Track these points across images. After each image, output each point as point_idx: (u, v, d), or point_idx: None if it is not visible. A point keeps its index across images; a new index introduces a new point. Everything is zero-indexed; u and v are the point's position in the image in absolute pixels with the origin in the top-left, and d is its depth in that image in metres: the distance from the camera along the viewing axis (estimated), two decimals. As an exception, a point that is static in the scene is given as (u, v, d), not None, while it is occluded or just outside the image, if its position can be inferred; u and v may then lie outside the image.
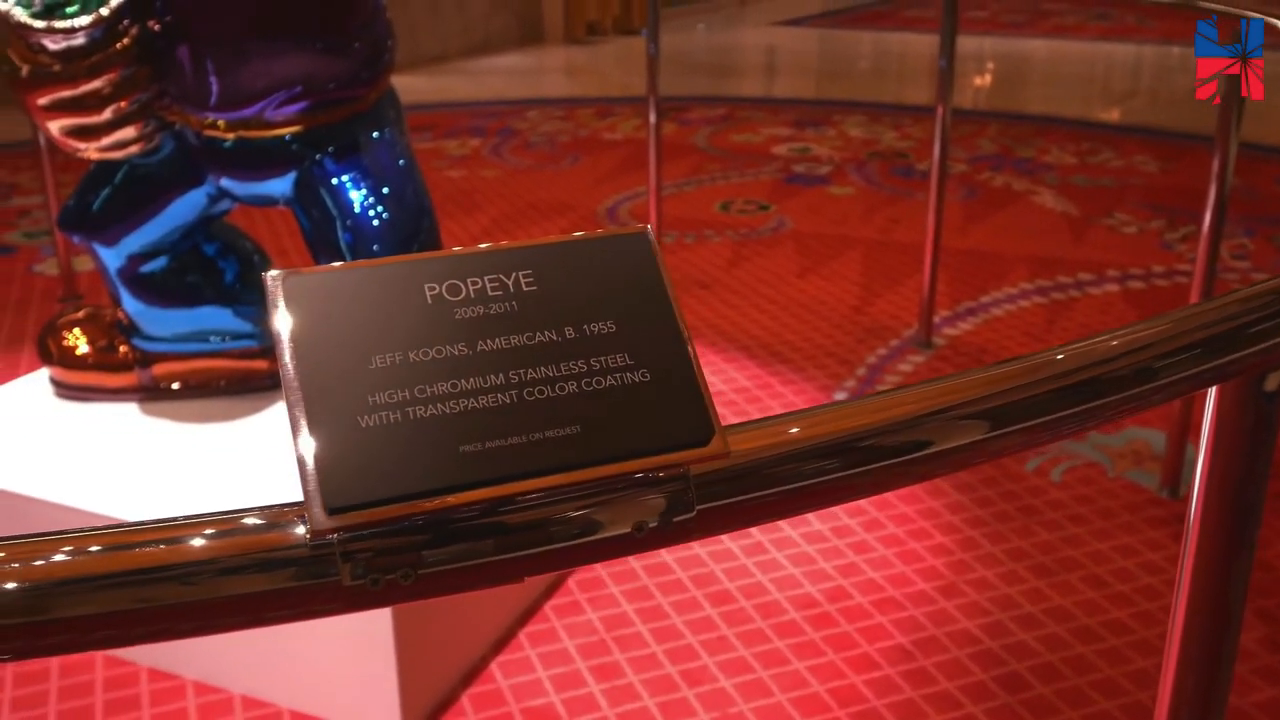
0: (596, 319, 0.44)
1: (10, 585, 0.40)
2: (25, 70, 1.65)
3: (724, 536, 2.08)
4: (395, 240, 1.76)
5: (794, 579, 1.96)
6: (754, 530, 2.09)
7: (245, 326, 1.99)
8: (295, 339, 0.41)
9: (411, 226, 1.78)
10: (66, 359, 1.98)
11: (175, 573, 0.40)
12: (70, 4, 1.61)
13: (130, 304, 1.94)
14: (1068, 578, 1.96)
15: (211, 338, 1.97)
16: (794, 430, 0.47)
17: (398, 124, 1.87)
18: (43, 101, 1.66)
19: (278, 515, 0.42)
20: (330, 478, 0.40)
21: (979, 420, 0.48)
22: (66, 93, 1.65)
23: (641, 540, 0.44)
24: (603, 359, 0.44)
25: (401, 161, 1.82)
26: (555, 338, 0.44)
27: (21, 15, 1.59)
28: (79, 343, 1.98)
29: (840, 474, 0.46)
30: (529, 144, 5.14)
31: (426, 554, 0.41)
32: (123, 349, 1.97)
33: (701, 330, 3.02)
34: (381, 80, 1.84)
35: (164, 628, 0.41)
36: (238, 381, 2.01)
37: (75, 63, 1.63)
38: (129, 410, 1.96)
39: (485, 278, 0.44)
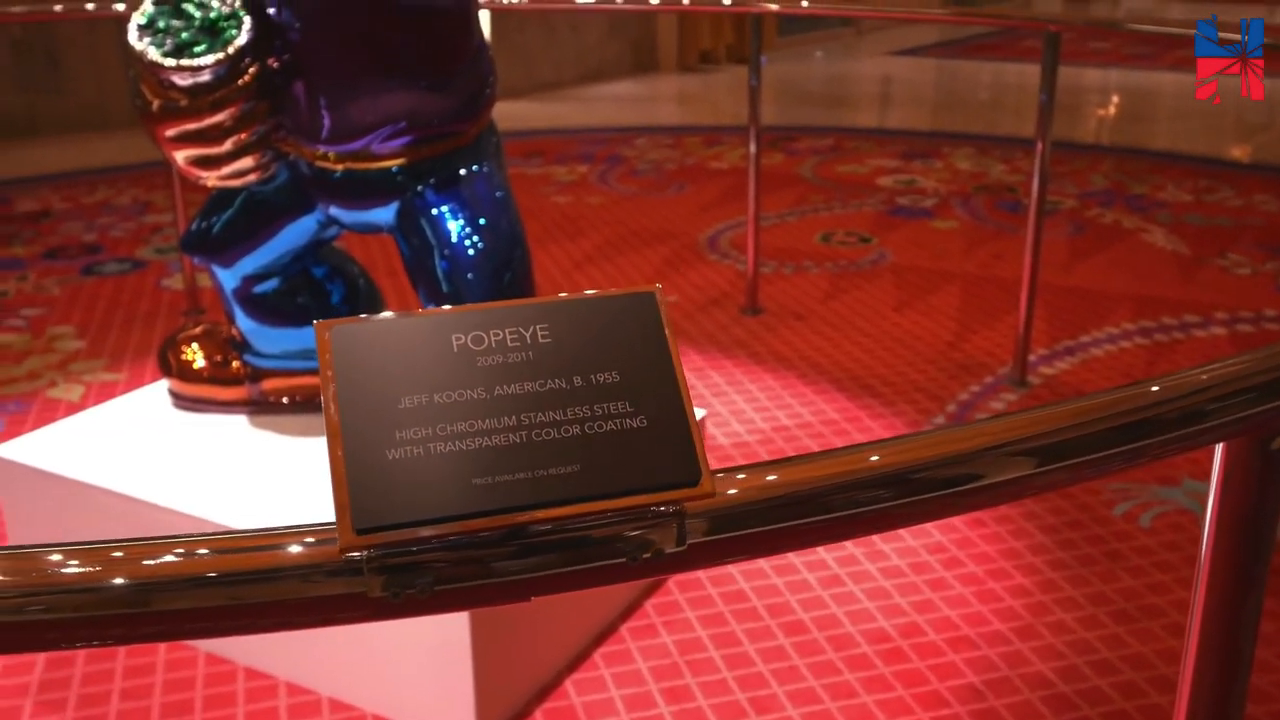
0: (602, 369, 0.50)
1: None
2: (156, 104, 1.77)
3: (801, 567, 2.10)
4: (489, 269, 1.84)
5: (868, 612, 1.98)
6: (831, 562, 2.11)
7: (348, 346, 2.09)
8: (338, 381, 0.48)
9: (504, 256, 1.85)
10: (184, 372, 2.11)
11: (225, 580, 0.46)
12: (198, 44, 1.74)
13: (243, 322, 2.06)
14: (1149, 625, 1.94)
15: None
16: (778, 476, 0.51)
17: (497, 157, 1.95)
18: (170, 133, 1.79)
19: (314, 533, 0.48)
20: (359, 502, 0.46)
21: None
22: (192, 125, 1.77)
23: (637, 568, 0.49)
24: (605, 405, 0.49)
25: (498, 193, 1.90)
26: (564, 385, 0.49)
27: (154, 54, 1.72)
28: (196, 357, 2.11)
29: (820, 517, 0.51)
30: (636, 171, 5.23)
31: (440, 573, 0.47)
32: (235, 364, 2.09)
33: (793, 361, 3.05)
34: (482, 115, 1.92)
35: (215, 625, 0.48)
36: (340, 398, 2.11)
37: (201, 98, 1.75)
38: (238, 422, 2.08)
39: (506, 330, 0.50)
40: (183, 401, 2.12)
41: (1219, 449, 0.66)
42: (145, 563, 0.48)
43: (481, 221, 1.86)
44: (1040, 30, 2.76)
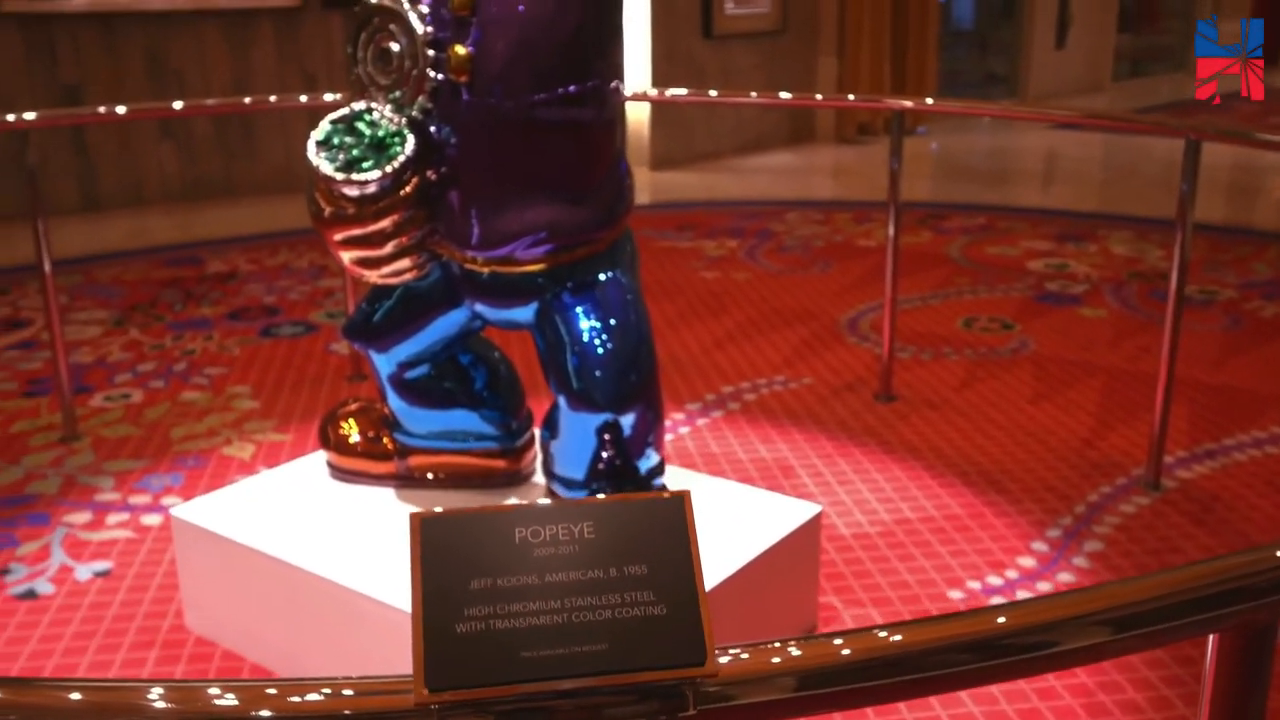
0: (633, 563, 0.61)
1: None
2: (327, 211, 1.98)
3: (908, 666, 2.14)
4: (615, 367, 1.97)
5: (972, 716, 2.01)
6: (939, 664, 2.15)
7: (489, 429, 2.25)
8: (423, 564, 0.60)
9: (630, 356, 1.98)
10: (340, 446, 2.31)
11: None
12: (366, 160, 1.94)
13: (395, 403, 2.25)
14: (1263, 753, 1.91)
15: (461, 438, 2.25)
16: (779, 658, 0.61)
17: (631, 263, 2.09)
18: (338, 237, 1.99)
19: (396, 686, 0.61)
20: (432, 665, 0.58)
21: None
22: (357, 231, 1.97)
23: (655, 730, 0.60)
24: (633, 594, 0.60)
25: (629, 297, 2.04)
26: (601, 575, 0.61)
27: (327, 168, 1.93)
28: (352, 432, 2.31)
29: (803, 692, 0.60)
30: (783, 247, 5.34)
31: (494, 726, 0.59)
32: (386, 441, 2.28)
33: (922, 452, 3.09)
34: (618, 225, 2.06)
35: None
36: (479, 477, 2.28)
37: (366, 207, 1.95)
38: (387, 495, 2.26)
39: (560, 526, 0.62)
40: (339, 473, 2.32)
41: (1211, 640, 0.73)
42: (291, 699, 0.61)
43: (612, 322, 1.99)
44: (1181, 136, 2.76)
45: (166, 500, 2.81)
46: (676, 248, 5.38)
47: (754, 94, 4.16)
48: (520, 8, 1.89)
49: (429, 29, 1.94)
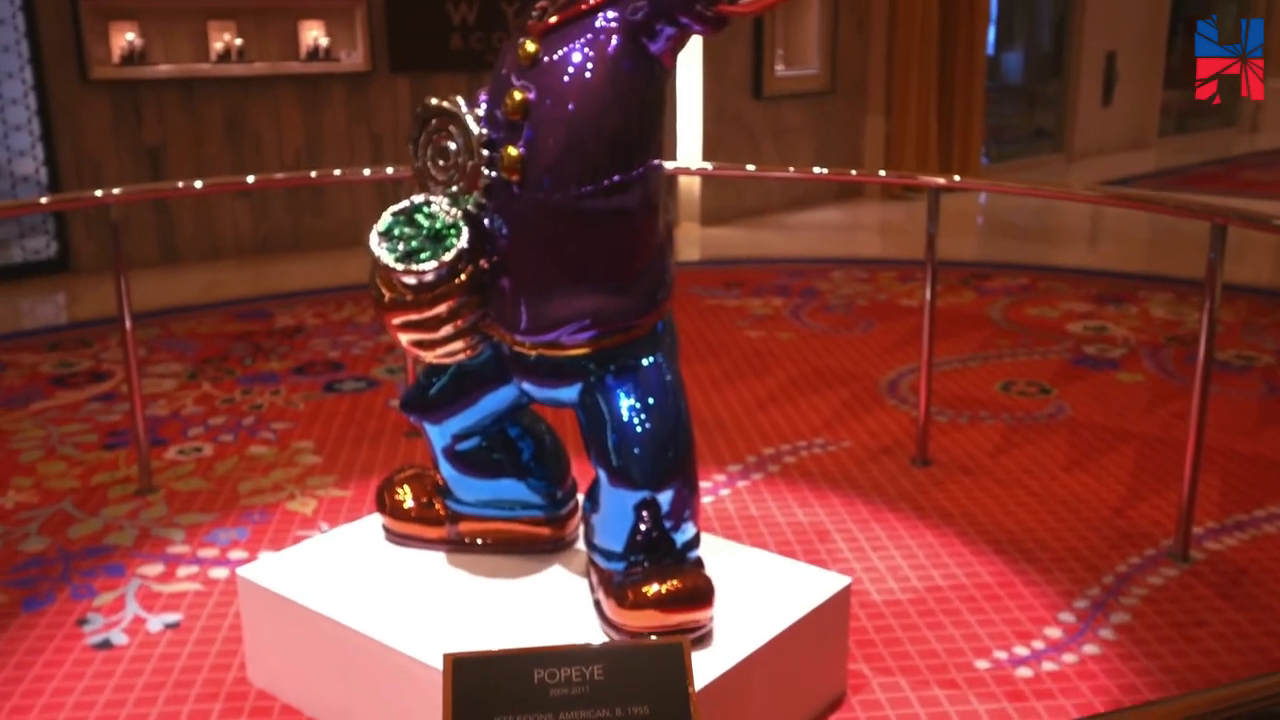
0: (636, 703, 0.74)
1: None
2: (387, 296, 2.15)
3: (930, 734, 2.23)
4: (653, 446, 2.10)
5: (991, 786, 2.10)
6: (960, 732, 2.24)
7: (534, 499, 2.39)
8: (454, 701, 0.74)
9: (668, 435, 2.11)
10: (395, 511, 2.46)
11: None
12: (424, 251, 2.10)
13: (447, 471, 2.40)
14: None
15: (508, 506, 2.39)
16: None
17: (671, 347, 2.22)
18: (397, 321, 2.16)
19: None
20: (467, 769, 0.72)
21: None
22: (415, 316, 2.13)
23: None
24: (635, 728, 0.73)
25: (668, 378, 2.17)
26: (608, 714, 0.74)
27: (387, 258, 2.10)
28: (406, 498, 2.46)
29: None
30: (828, 307, 5.45)
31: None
32: (438, 507, 2.43)
33: (955, 518, 3.18)
34: (659, 309, 2.20)
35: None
36: (525, 543, 2.41)
37: (423, 294, 2.11)
38: (438, 559, 2.40)
39: (574, 668, 0.75)
40: (393, 536, 2.48)
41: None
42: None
43: (650, 403, 2.12)
44: (1206, 220, 2.85)
45: (233, 554, 2.98)
46: (723, 305, 5.51)
47: (791, 169, 4.31)
48: (570, 108, 2.04)
49: (484, 131, 2.11)
